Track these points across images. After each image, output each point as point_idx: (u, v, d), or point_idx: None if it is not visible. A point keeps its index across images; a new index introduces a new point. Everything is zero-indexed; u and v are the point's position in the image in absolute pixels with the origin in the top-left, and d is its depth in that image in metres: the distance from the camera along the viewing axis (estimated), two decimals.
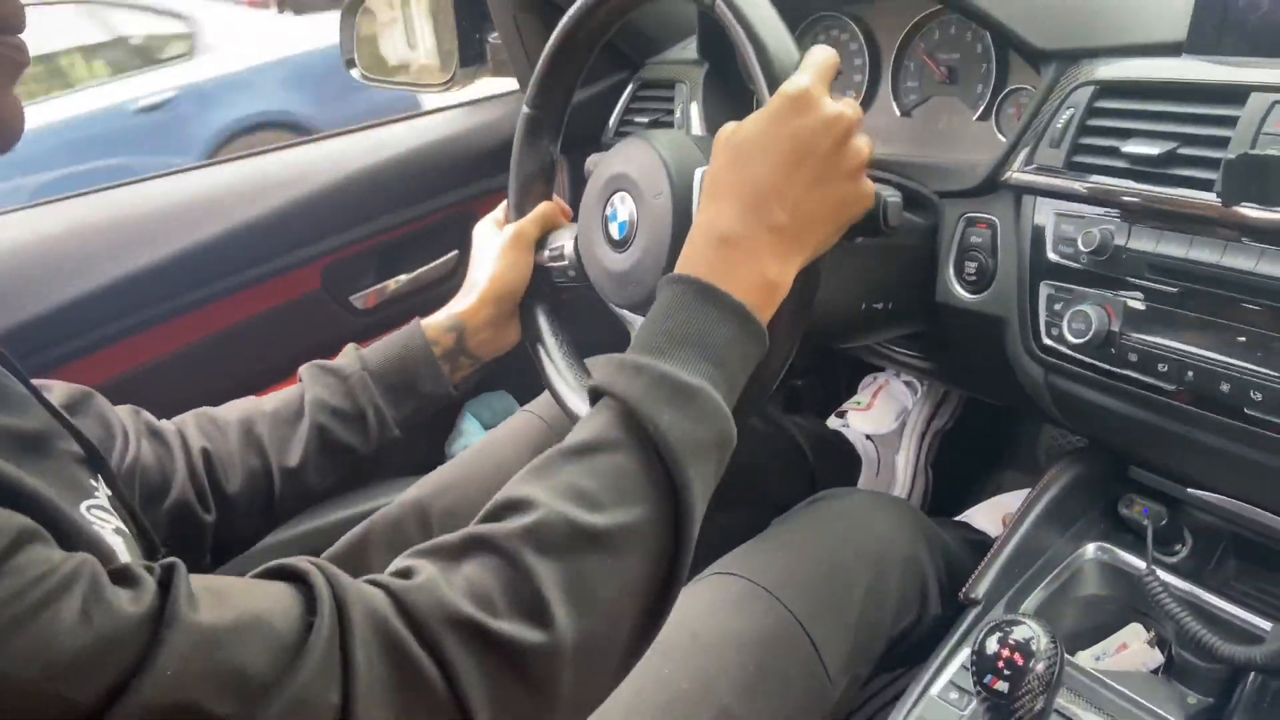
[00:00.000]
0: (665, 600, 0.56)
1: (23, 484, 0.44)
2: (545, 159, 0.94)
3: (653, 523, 0.56)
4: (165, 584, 0.44)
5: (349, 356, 0.91)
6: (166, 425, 0.84)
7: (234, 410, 0.87)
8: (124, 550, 0.53)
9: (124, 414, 0.81)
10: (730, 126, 0.68)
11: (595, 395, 0.61)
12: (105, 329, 1.06)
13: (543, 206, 0.95)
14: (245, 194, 1.16)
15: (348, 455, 0.88)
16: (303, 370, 0.91)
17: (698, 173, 0.77)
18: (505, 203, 0.98)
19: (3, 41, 0.51)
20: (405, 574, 0.51)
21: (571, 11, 0.83)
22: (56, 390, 0.76)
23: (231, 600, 0.45)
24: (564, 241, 0.92)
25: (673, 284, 0.64)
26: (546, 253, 0.94)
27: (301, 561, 0.50)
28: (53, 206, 1.15)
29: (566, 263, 0.92)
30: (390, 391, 0.89)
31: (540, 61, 0.88)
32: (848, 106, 0.66)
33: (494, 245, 0.94)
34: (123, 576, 0.43)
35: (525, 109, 0.91)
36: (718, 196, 0.66)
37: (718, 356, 0.61)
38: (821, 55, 0.68)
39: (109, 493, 0.58)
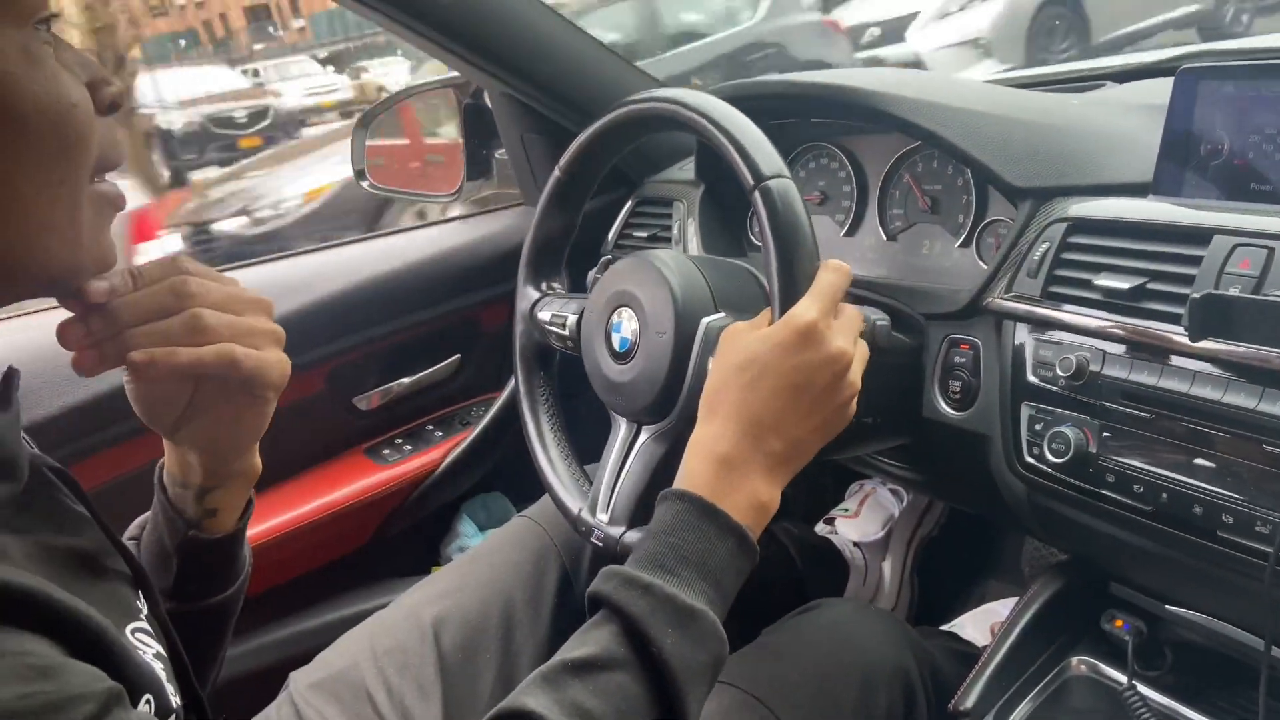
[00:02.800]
0: None
1: (84, 615, 0.47)
2: (566, 221, 0.99)
3: None
4: None
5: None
6: None
7: None
8: (163, 675, 0.55)
9: None
10: (739, 338, 0.73)
11: (597, 604, 0.64)
12: (110, 430, 1.08)
13: None
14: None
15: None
16: None
17: (703, 322, 0.81)
18: None
19: (104, 181, 0.56)
20: None
21: (618, 112, 0.89)
22: None
23: None
24: (568, 314, 0.96)
25: (676, 500, 0.68)
26: (550, 315, 0.98)
27: None
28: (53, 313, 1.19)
29: (566, 333, 0.96)
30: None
31: (581, 140, 0.93)
32: (847, 340, 0.72)
33: None
34: None
35: (557, 173, 0.95)
36: (718, 416, 0.71)
37: (716, 577, 0.65)
38: (830, 283, 0.73)
39: (147, 612, 0.60)
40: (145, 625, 0.58)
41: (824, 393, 0.71)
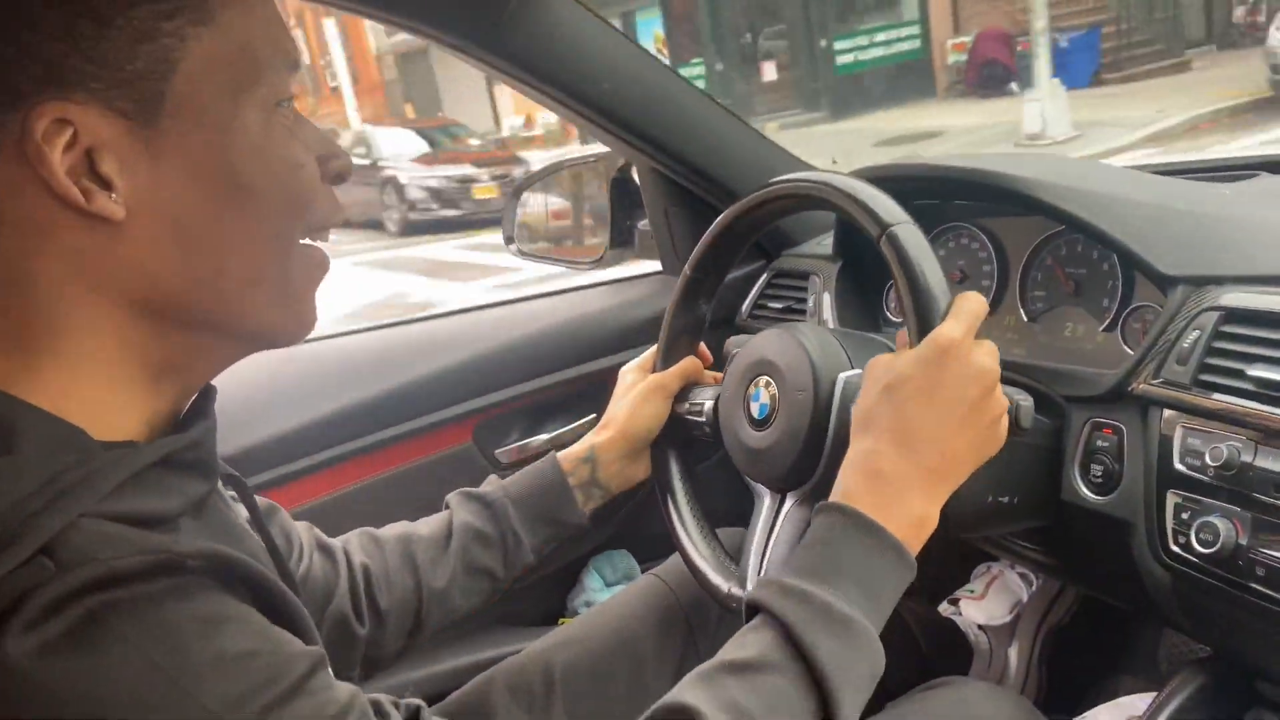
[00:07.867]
0: None
1: (285, 592, 0.52)
2: (697, 318, 1.04)
3: None
4: None
5: (492, 485, 1.00)
6: (334, 542, 0.93)
7: (393, 530, 0.96)
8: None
9: (300, 528, 0.91)
10: (884, 362, 0.75)
11: (754, 610, 0.66)
12: (278, 470, 1.16)
13: (686, 362, 1.04)
14: (417, 353, 1.28)
15: (488, 578, 0.96)
16: (450, 497, 1.00)
17: (840, 377, 0.84)
18: (653, 349, 1.07)
19: (313, 245, 0.62)
20: None
21: (743, 201, 0.94)
22: None
23: None
24: (704, 400, 1.00)
25: (834, 512, 0.70)
26: (687, 405, 1.02)
27: None
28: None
29: (704, 419, 1.00)
30: (528, 519, 0.98)
31: (709, 234, 0.98)
32: (992, 360, 0.74)
33: (636, 389, 1.03)
34: (378, 710, 0.51)
35: (687, 271, 1.01)
36: (873, 432, 0.73)
37: (873, 590, 0.67)
38: (971, 305, 0.75)
39: None
40: None
41: (975, 407, 0.72)
